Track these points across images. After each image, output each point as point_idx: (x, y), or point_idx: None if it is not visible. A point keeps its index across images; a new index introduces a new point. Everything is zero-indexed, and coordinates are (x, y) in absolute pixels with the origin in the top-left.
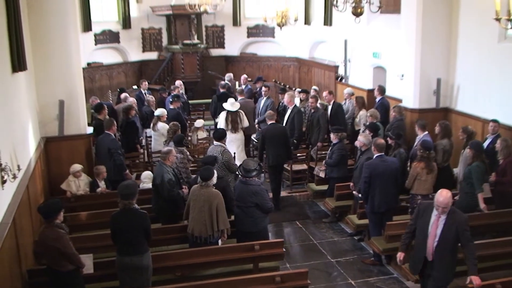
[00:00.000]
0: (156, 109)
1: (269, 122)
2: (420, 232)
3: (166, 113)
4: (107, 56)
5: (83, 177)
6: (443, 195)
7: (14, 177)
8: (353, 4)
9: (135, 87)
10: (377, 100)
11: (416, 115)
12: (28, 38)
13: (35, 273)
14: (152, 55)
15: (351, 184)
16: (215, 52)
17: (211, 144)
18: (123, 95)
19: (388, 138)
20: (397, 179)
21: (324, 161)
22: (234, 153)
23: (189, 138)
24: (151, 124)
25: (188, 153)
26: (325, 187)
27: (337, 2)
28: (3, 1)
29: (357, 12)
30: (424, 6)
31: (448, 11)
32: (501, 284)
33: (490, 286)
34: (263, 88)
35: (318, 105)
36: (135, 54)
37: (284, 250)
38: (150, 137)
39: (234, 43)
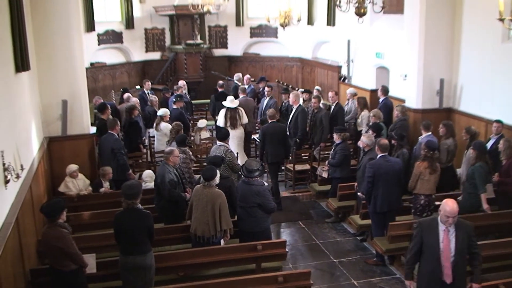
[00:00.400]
0: (159, 109)
1: (270, 121)
2: (430, 254)
3: (169, 113)
4: (110, 56)
5: (80, 177)
6: (450, 204)
7: (17, 176)
8: (356, 5)
9: (138, 87)
10: (380, 100)
11: (419, 115)
12: (31, 38)
13: (38, 272)
14: (155, 55)
15: (356, 184)
16: (218, 52)
17: (214, 144)
18: (126, 95)
19: (392, 138)
20: (400, 180)
21: (327, 161)
22: (237, 153)
23: (192, 138)
24: (154, 124)
25: (190, 153)
26: (328, 187)
27: (340, 2)
28: (7, 1)
29: (360, 12)
30: (427, 7)
31: (451, 11)
32: (505, 285)
33: (493, 287)
34: (266, 88)
35: (320, 105)
36: (138, 54)
37: (287, 250)
38: (153, 137)
39: (237, 43)
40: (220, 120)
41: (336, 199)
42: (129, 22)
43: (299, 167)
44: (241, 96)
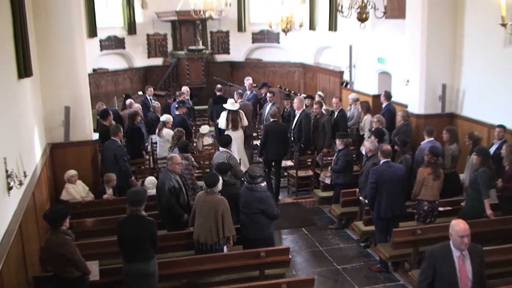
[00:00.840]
0: (161, 115)
1: (272, 120)
2: (445, 285)
3: (171, 119)
4: (113, 62)
5: (79, 182)
6: (460, 224)
7: (20, 183)
8: (358, 10)
9: (140, 93)
10: (383, 105)
11: (421, 121)
12: (33, 44)
13: (41, 280)
14: (157, 61)
15: (357, 190)
16: (220, 57)
17: (216, 150)
18: (128, 101)
19: (394, 144)
20: (404, 185)
21: (329, 167)
22: (240, 159)
23: (195, 144)
24: (157, 130)
25: (193, 159)
26: (330, 193)
27: (342, 8)
28: (10, 7)
29: (362, 18)
30: (429, 11)
31: (453, 16)
32: None
33: None
34: (268, 94)
35: (323, 110)
36: (140, 60)
37: (290, 257)
38: (156, 143)
39: (239, 49)
40: (222, 122)
41: (339, 205)
42: (131, 28)
43: (302, 173)
44: (238, 100)
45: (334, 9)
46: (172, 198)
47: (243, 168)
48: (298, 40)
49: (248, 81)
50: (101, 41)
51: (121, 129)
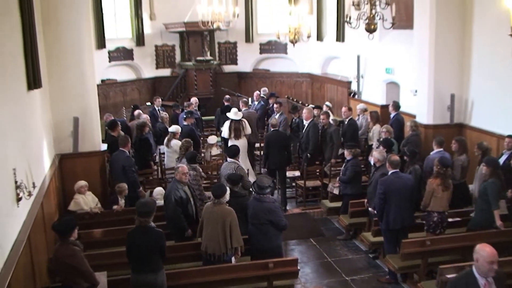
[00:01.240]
0: (169, 125)
1: (272, 129)
2: None
3: (180, 129)
4: (121, 73)
5: (88, 193)
6: (487, 248)
7: (29, 194)
8: (366, 21)
9: (148, 103)
10: (391, 116)
11: (430, 131)
12: (43, 56)
13: None
14: (166, 72)
15: (366, 200)
16: (228, 68)
17: (224, 161)
18: (136, 112)
19: (403, 155)
20: (413, 196)
21: (338, 178)
22: (248, 169)
23: (203, 154)
24: (165, 141)
25: (201, 170)
26: (339, 204)
27: (350, 18)
28: (19, 19)
29: (370, 29)
30: (437, 22)
31: (461, 26)
32: None
33: None
34: (275, 105)
35: (330, 121)
36: (149, 70)
37: (298, 268)
38: (164, 153)
39: (247, 60)
40: (225, 131)
41: (347, 215)
42: (140, 39)
43: (310, 183)
44: (243, 109)
45: (341, 20)
46: (178, 209)
47: (250, 178)
48: (306, 50)
49: (264, 91)
50: (109, 52)
51: (129, 139)
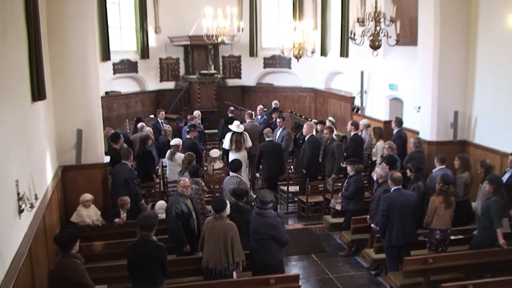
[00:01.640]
0: (172, 138)
1: (267, 139)
2: None
3: (181, 142)
4: (125, 85)
5: (92, 207)
6: None
7: (32, 206)
8: (371, 38)
9: (152, 116)
10: (394, 132)
11: (433, 148)
12: (47, 68)
13: None
14: (169, 85)
15: (368, 217)
16: (232, 82)
17: (227, 175)
18: (139, 125)
19: (408, 170)
20: (415, 213)
21: (340, 193)
22: (250, 185)
23: (205, 168)
24: (168, 154)
25: (203, 183)
26: (341, 219)
27: (354, 35)
28: (25, 31)
29: (374, 45)
30: (441, 38)
31: (465, 43)
32: None
33: None
34: (278, 120)
35: (333, 136)
36: (153, 83)
37: (300, 285)
38: (166, 166)
39: (251, 74)
40: (226, 143)
41: (349, 232)
42: (144, 52)
43: (312, 199)
44: (248, 121)
45: (345, 35)
46: (179, 222)
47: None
48: (310, 65)
49: (276, 104)
50: (114, 64)
51: (132, 152)
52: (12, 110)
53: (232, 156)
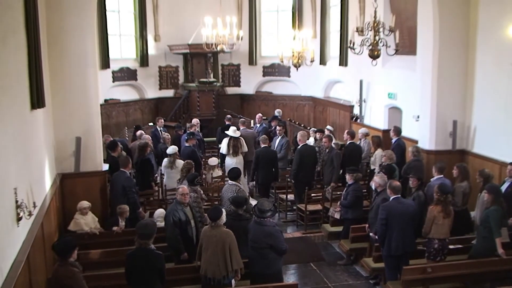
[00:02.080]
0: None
1: (262, 146)
2: None
3: (177, 149)
4: (124, 93)
5: (89, 213)
6: None
7: (30, 214)
8: (370, 47)
9: (151, 124)
10: (393, 141)
11: (432, 157)
12: (47, 75)
13: None
14: (169, 93)
15: (367, 225)
16: (231, 90)
17: (226, 183)
18: (138, 132)
19: (410, 179)
20: (414, 222)
21: (339, 202)
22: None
23: (204, 176)
24: (166, 162)
25: (202, 192)
26: (340, 228)
27: (353, 44)
28: (25, 38)
29: (374, 55)
30: (440, 48)
31: (464, 53)
32: None
33: None
34: (277, 128)
35: (332, 144)
36: (152, 91)
37: None
38: (164, 174)
39: (250, 82)
40: (223, 147)
41: (348, 240)
42: (144, 60)
43: (311, 207)
44: (242, 128)
45: (345, 44)
46: (176, 230)
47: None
48: (309, 74)
49: (279, 112)
50: (113, 72)
51: (130, 160)
52: (11, 117)
53: (228, 160)
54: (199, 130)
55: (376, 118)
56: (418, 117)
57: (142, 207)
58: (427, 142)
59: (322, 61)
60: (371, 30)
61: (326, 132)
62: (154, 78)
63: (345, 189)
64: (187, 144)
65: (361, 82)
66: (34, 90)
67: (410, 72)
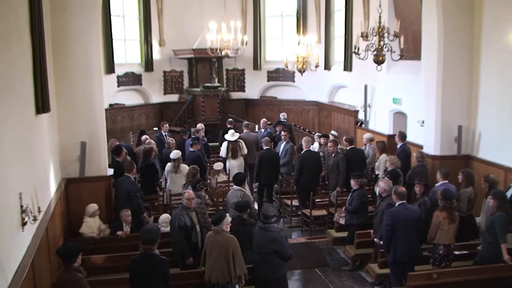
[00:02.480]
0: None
1: (265, 148)
2: None
3: (180, 154)
4: (129, 97)
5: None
6: None
7: (35, 219)
8: (375, 52)
9: (155, 128)
10: (398, 146)
11: (437, 162)
12: (52, 80)
13: None
14: (173, 97)
15: (372, 231)
16: (236, 95)
17: (230, 188)
18: (143, 137)
19: (416, 186)
20: (420, 228)
21: (344, 208)
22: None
23: (209, 181)
24: (170, 167)
25: (206, 197)
26: (345, 233)
27: (358, 50)
28: (30, 43)
29: (378, 60)
30: (444, 53)
31: (469, 58)
32: None
33: None
34: (282, 132)
35: (338, 149)
36: (157, 96)
37: None
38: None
39: (254, 87)
40: (223, 151)
41: (353, 246)
42: (149, 65)
43: (315, 212)
44: (245, 131)
45: (349, 49)
46: (182, 234)
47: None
48: (313, 79)
49: (284, 116)
50: (118, 77)
51: (135, 165)
52: (16, 122)
53: (229, 164)
54: (204, 135)
55: (380, 123)
56: (423, 122)
57: (146, 212)
58: (432, 147)
59: (327, 66)
60: (375, 35)
61: (331, 137)
62: (159, 82)
63: (350, 194)
64: (192, 149)
65: (365, 87)
66: (39, 95)
67: (415, 77)
